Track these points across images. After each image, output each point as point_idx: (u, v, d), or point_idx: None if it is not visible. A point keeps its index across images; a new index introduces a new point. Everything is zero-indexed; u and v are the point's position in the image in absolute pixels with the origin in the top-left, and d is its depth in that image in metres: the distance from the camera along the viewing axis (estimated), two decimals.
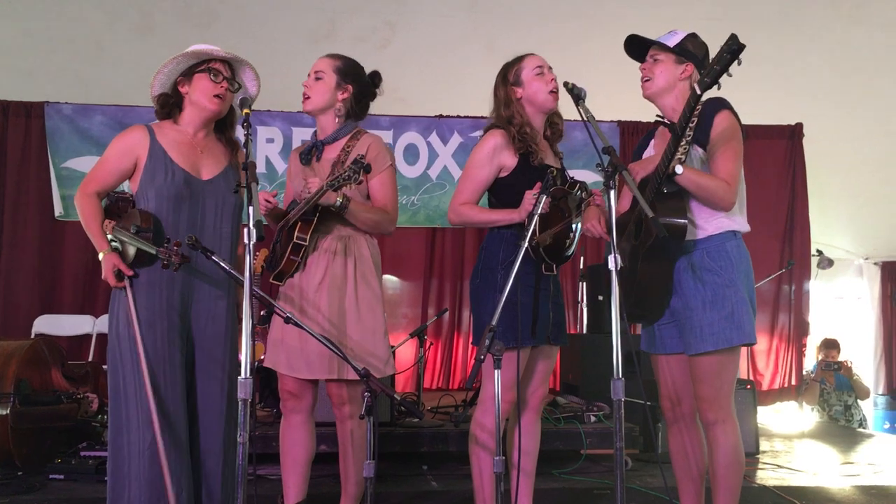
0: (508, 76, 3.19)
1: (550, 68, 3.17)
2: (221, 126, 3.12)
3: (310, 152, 3.21)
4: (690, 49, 2.95)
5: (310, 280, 3.09)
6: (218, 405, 2.98)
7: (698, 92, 2.55)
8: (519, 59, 3.20)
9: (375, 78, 3.29)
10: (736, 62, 2.42)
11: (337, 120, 3.20)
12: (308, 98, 3.18)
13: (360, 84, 3.22)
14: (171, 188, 2.92)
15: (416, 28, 7.30)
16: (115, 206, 3.03)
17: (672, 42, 2.96)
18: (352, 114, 3.22)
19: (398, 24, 7.29)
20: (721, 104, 2.88)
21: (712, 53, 2.56)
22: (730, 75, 2.46)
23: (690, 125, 2.75)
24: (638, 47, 3.06)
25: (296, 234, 3.02)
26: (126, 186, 3.07)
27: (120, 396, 2.88)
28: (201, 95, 2.98)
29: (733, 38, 2.40)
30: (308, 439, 3.19)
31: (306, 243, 3.04)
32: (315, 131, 3.29)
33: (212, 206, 3.01)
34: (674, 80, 2.96)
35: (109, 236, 2.92)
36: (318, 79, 3.16)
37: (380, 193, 3.18)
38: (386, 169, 3.18)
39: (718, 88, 2.52)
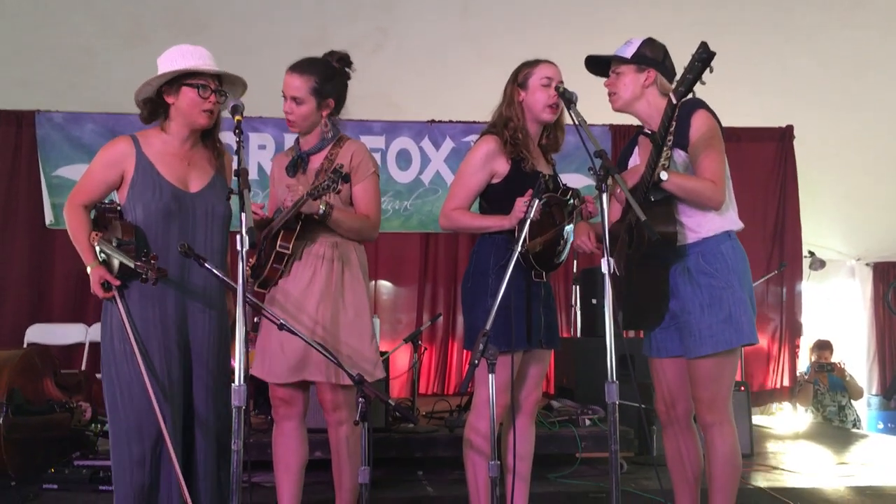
0: (518, 76, 3.18)
1: (561, 82, 3.11)
2: (206, 131, 3.08)
3: (295, 164, 3.19)
4: (648, 55, 2.97)
5: (297, 285, 3.08)
6: (213, 416, 2.97)
7: (674, 101, 2.58)
8: (533, 64, 3.18)
9: (345, 62, 3.21)
10: (708, 70, 2.44)
11: (322, 132, 3.20)
12: (293, 122, 3.16)
13: (338, 90, 3.19)
14: (159, 203, 2.90)
15: (407, 34, 7.30)
16: (103, 217, 2.98)
17: (629, 52, 2.98)
18: (337, 112, 3.21)
19: (390, 30, 7.28)
20: (696, 104, 2.89)
21: (676, 57, 2.56)
22: (703, 83, 2.48)
23: (670, 130, 2.76)
24: (600, 64, 3.09)
25: (279, 242, 3.02)
26: (115, 196, 3.05)
27: (117, 410, 2.86)
28: (191, 109, 2.94)
29: (703, 45, 2.42)
30: (300, 446, 3.18)
31: (289, 251, 3.04)
32: (297, 138, 3.28)
33: (202, 219, 2.99)
34: (639, 89, 2.98)
35: (97, 248, 2.90)
36: (298, 104, 3.12)
37: (363, 200, 3.17)
38: (369, 176, 3.17)
39: (703, 83, 2.51)
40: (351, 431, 3.09)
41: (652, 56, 2.96)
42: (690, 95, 2.61)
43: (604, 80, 3.09)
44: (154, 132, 3.02)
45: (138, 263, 2.70)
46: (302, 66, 3.14)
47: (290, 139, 7.12)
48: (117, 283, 2.85)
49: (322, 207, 2.95)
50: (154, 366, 2.83)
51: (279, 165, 3.29)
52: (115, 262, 2.84)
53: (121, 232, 2.84)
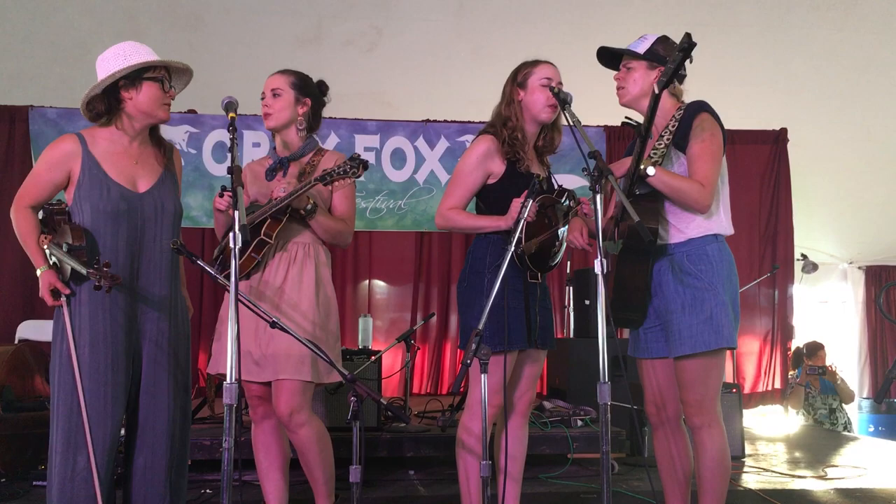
0: (518, 76, 3.18)
1: (560, 84, 3.11)
2: (152, 128, 3.03)
3: (275, 170, 3.21)
4: (661, 52, 2.95)
5: (272, 282, 3.08)
6: (164, 423, 2.91)
7: (656, 92, 2.63)
8: (533, 64, 3.17)
9: (323, 87, 3.32)
10: (688, 60, 2.49)
11: (300, 134, 3.23)
12: (269, 115, 3.19)
13: (315, 96, 3.26)
14: (107, 204, 2.84)
15: (402, 32, 7.30)
16: (51, 219, 2.90)
17: (642, 48, 2.98)
18: (311, 126, 3.26)
19: (385, 28, 7.28)
20: (701, 107, 2.89)
21: None
22: (683, 73, 2.50)
23: (671, 128, 2.76)
24: (611, 56, 3.09)
25: (263, 230, 3.01)
26: (62, 196, 2.96)
27: (63, 417, 2.79)
28: (152, 104, 2.90)
29: (687, 36, 2.45)
30: (281, 443, 3.20)
31: (272, 241, 3.04)
32: (273, 147, 3.30)
33: (151, 218, 2.93)
34: (648, 86, 2.95)
35: (47, 252, 2.82)
36: (276, 96, 3.18)
37: (341, 206, 3.21)
38: (349, 184, 3.20)
39: (684, 73, 2.55)
40: (313, 431, 3.06)
41: (664, 54, 2.92)
42: (678, 90, 2.62)
43: (608, 75, 3.09)
44: (101, 130, 2.94)
45: (90, 271, 2.64)
46: (281, 70, 3.25)
47: None
48: (67, 291, 2.80)
49: (310, 204, 2.96)
50: (99, 375, 2.77)
51: (251, 171, 3.31)
52: (67, 268, 2.78)
53: (70, 236, 2.76)
